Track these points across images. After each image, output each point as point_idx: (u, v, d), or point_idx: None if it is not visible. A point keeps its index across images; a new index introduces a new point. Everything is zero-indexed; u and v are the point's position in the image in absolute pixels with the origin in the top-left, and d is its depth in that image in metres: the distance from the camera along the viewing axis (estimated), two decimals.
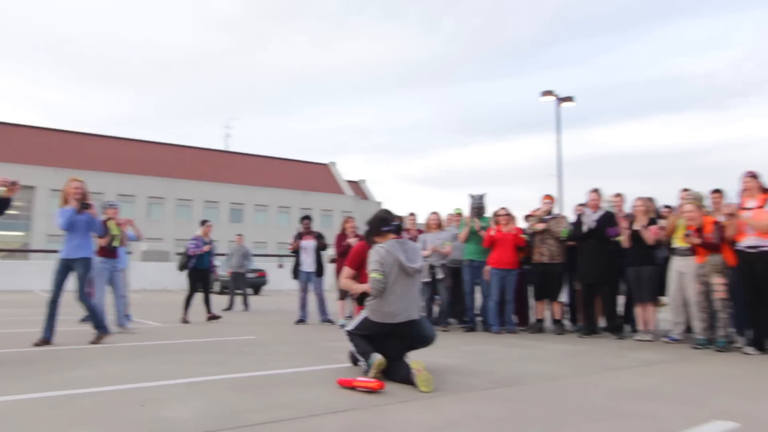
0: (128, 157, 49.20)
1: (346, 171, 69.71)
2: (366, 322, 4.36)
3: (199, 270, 10.04)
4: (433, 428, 2.87)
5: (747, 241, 5.93)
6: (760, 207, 5.86)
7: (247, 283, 14.07)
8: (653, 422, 2.94)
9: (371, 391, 3.66)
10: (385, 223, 4.46)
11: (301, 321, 9.43)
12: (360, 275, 4.82)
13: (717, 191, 7.26)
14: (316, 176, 59.93)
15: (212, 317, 9.96)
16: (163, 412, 3.16)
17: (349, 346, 4.53)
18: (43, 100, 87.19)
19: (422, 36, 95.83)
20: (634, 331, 7.67)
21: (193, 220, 48.81)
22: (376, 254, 4.27)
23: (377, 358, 3.98)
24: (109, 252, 7.58)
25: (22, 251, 39.19)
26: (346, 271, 4.90)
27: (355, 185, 62.73)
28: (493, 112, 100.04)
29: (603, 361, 5.30)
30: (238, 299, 13.42)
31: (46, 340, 6.02)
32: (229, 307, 12.88)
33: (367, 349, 4.15)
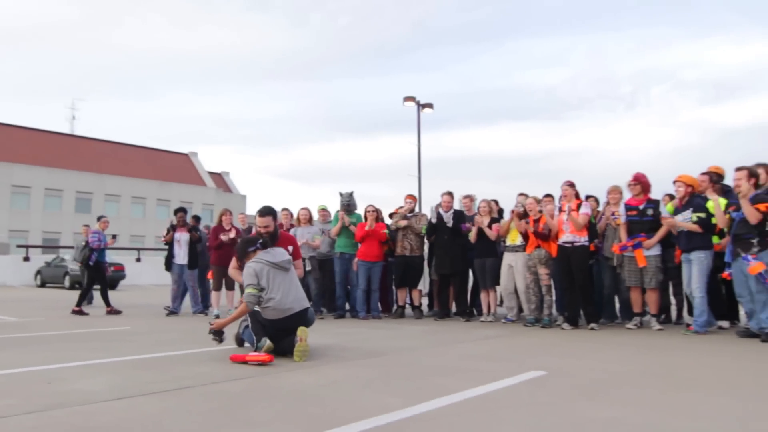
0: None
1: (209, 162, 67.23)
2: (262, 320, 4.72)
3: (99, 263, 9.98)
4: (320, 386, 3.52)
5: (565, 237, 7.29)
6: (575, 210, 7.25)
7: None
8: (487, 374, 3.85)
9: (262, 363, 4.22)
10: (251, 245, 4.92)
11: (173, 313, 9.55)
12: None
13: (548, 195, 8.67)
14: (176, 166, 57.27)
15: (112, 311, 9.78)
16: (71, 386, 3.47)
17: (234, 330, 5.02)
18: None
19: (289, 30, 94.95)
20: (480, 314, 8.89)
21: (31, 209, 44.48)
22: (249, 270, 4.74)
23: (267, 343, 4.49)
24: None
25: None
26: (233, 261, 5.36)
27: (218, 177, 60.92)
28: (357, 111, 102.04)
29: (452, 337, 6.29)
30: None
31: None
32: (88, 302, 12.38)
33: (260, 332, 4.65)
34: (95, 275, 10.10)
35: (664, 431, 2.53)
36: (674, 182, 6.99)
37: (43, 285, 22.11)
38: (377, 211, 9.01)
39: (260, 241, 4.92)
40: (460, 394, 3.20)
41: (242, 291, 5.13)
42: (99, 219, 10.57)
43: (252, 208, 61.71)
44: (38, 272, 22.59)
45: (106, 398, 3.14)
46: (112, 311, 9.82)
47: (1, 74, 77.32)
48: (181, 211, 9.96)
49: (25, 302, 13.28)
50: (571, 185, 7.49)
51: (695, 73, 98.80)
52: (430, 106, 23.30)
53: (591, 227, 7.48)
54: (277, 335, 4.55)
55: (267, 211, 5.30)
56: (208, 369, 4.07)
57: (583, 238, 7.24)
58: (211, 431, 2.55)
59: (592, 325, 7.10)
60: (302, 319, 4.74)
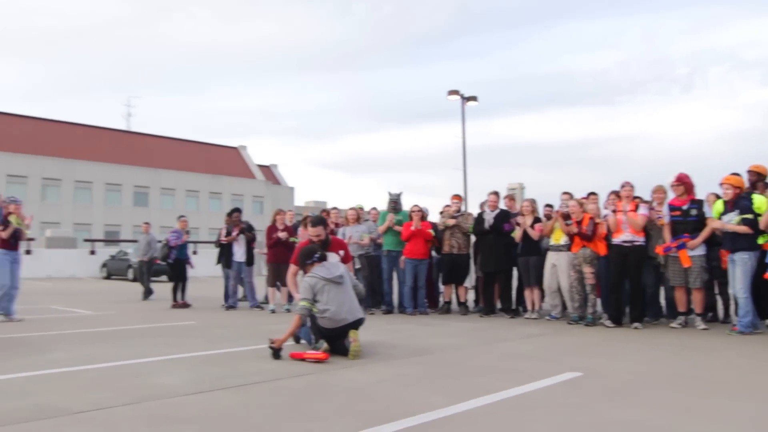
0: (20, 135, 46.02)
1: (257, 155, 68.92)
2: (318, 327, 5.13)
3: (178, 260, 10.73)
4: (371, 384, 3.92)
5: (623, 237, 7.44)
6: (633, 210, 7.39)
7: (154, 271, 14.08)
8: (525, 374, 4.15)
9: (319, 361, 4.65)
10: (308, 258, 5.32)
11: (231, 307, 10.19)
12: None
13: (593, 193, 8.79)
14: (226, 160, 58.95)
15: (180, 305, 10.53)
16: (156, 380, 3.98)
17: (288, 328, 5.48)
18: None
19: (333, 20, 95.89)
20: (525, 311, 9.12)
21: (93, 203, 46.76)
22: (305, 284, 5.14)
23: (324, 345, 4.90)
24: (11, 244, 7.93)
25: None
26: (292, 268, 5.81)
27: (267, 169, 62.37)
28: (402, 100, 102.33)
29: (496, 335, 6.59)
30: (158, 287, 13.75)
31: None
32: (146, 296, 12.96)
33: (318, 334, 5.07)
34: (173, 271, 10.86)
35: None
36: (721, 184, 7.04)
37: (108, 277, 23.47)
38: (422, 211, 9.35)
39: (317, 255, 5.31)
40: (498, 394, 3.53)
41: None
42: (179, 218, 11.39)
43: (299, 200, 62.57)
44: (104, 265, 23.97)
45: (187, 392, 3.62)
46: (178, 305, 10.53)
47: (60, 74, 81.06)
48: (236, 211, 10.54)
49: (95, 295, 14.28)
50: (630, 186, 7.64)
51: (756, 52, 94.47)
52: (474, 98, 23.39)
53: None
54: (332, 339, 4.96)
55: (317, 221, 5.71)
56: (272, 366, 4.53)
57: (641, 239, 7.39)
58: (279, 423, 2.97)
59: (636, 324, 7.26)
60: (355, 326, 5.12)
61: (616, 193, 7.88)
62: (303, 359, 4.72)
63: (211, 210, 52.26)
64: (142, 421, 2.98)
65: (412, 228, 9.09)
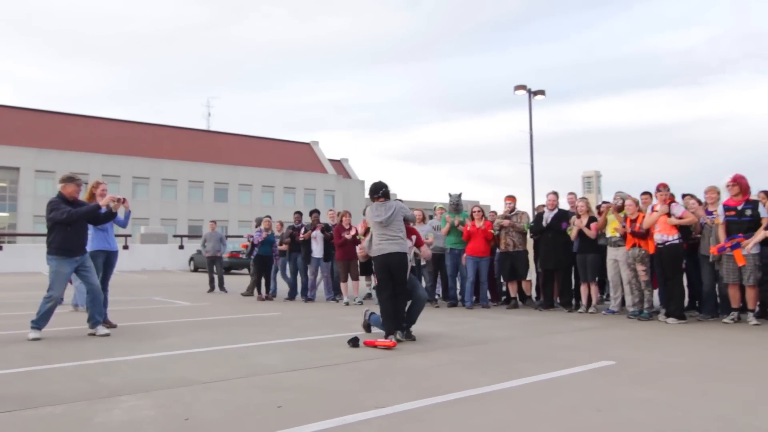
0: (112, 137, 49.94)
1: (329, 149, 71.05)
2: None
3: (261, 256, 11.96)
4: (430, 367, 4.73)
5: (656, 237, 7.88)
6: (666, 214, 7.81)
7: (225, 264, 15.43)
8: (563, 362, 4.83)
9: (388, 348, 5.51)
10: (375, 192, 6.46)
11: (310, 300, 11.28)
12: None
13: (646, 193, 9.16)
14: (299, 155, 61.22)
15: (265, 298, 11.80)
16: (258, 360, 4.97)
17: (361, 318, 6.39)
18: (10, 74, 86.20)
19: (403, 11, 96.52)
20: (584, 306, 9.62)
21: (178, 200, 50.01)
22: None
23: (393, 339, 5.80)
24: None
25: (8, 234, 40.16)
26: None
27: (338, 164, 64.22)
28: (473, 88, 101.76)
29: (549, 328, 7.23)
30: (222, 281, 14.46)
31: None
32: (211, 289, 14.03)
33: (391, 327, 5.96)
34: (256, 267, 12.12)
35: (677, 408, 3.43)
36: None
37: (195, 270, 25.46)
38: (482, 210, 10.02)
39: (383, 190, 6.53)
40: (534, 377, 4.25)
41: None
42: (264, 218, 12.59)
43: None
44: (191, 258, 26.00)
45: (285, 369, 4.57)
46: (263, 298, 11.74)
47: (144, 77, 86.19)
48: (315, 212, 11.59)
49: (188, 287, 15.82)
50: (666, 188, 8.03)
51: None
52: (542, 92, 23.54)
53: (683, 226, 7.96)
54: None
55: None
56: (350, 351, 5.43)
57: (672, 237, 7.79)
58: (356, 394, 3.83)
59: (671, 319, 7.67)
60: (390, 264, 6.22)
61: (649, 194, 8.32)
62: (375, 346, 5.60)
63: (286, 204, 54.60)
64: (257, 389, 3.94)
65: (478, 226, 9.79)
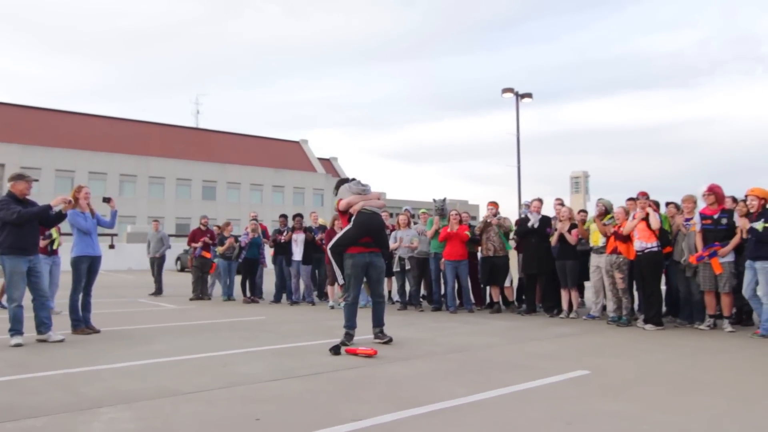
0: (99, 134, 49.51)
1: (318, 147, 70.96)
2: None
3: (247, 259, 12.08)
4: (408, 377, 4.82)
5: (635, 245, 8.03)
6: (643, 220, 7.97)
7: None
8: (539, 371, 4.94)
9: (368, 356, 5.59)
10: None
11: (296, 303, 11.35)
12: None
13: (631, 199, 9.31)
14: (288, 153, 61.09)
15: (250, 300, 11.87)
16: (240, 369, 5.03)
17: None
18: None
19: (397, 9, 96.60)
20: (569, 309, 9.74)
21: (165, 197, 49.74)
22: None
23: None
24: (50, 251, 8.99)
25: None
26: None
27: (327, 162, 64.16)
28: (465, 87, 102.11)
29: (529, 334, 7.35)
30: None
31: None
32: (156, 292, 13.64)
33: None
34: (243, 269, 12.21)
35: (644, 422, 3.55)
36: (746, 196, 7.47)
37: (182, 270, 25.38)
38: (459, 215, 10.10)
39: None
40: (510, 387, 4.36)
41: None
42: (251, 220, 12.72)
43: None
44: (177, 258, 25.91)
45: (266, 380, 4.64)
46: (248, 300, 11.79)
47: (134, 74, 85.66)
48: (298, 216, 11.65)
49: (174, 288, 15.76)
50: (646, 196, 8.18)
51: None
52: (529, 95, 23.75)
53: (662, 233, 8.12)
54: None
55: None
56: (331, 359, 5.51)
57: (651, 244, 7.94)
58: (336, 405, 3.91)
59: (648, 326, 7.83)
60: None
61: (634, 200, 8.48)
62: (356, 354, 5.68)
63: (275, 203, 54.51)
64: (236, 400, 4.00)
65: (449, 230, 9.90)
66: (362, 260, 6.36)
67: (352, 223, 6.37)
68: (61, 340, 6.50)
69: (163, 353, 5.80)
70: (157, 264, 13.93)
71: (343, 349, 5.84)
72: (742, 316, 8.39)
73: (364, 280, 6.58)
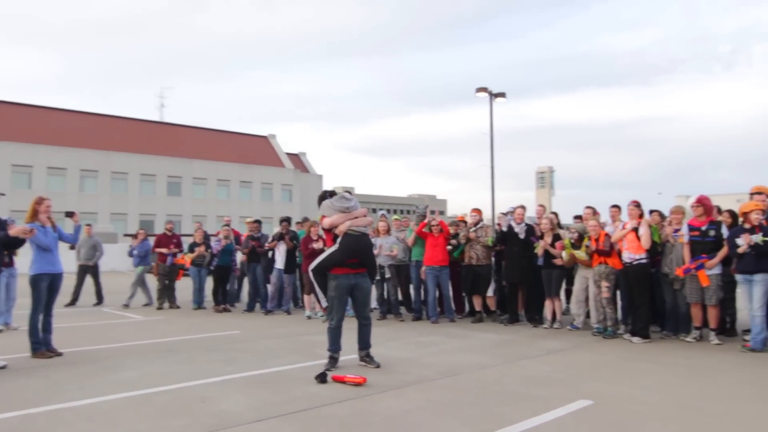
0: (58, 128, 47.65)
1: (286, 143, 70.01)
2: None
3: (220, 267, 11.57)
4: (405, 411, 4.50)
5: (623, 257, 7.88)
6: (633, 231, 7.82)
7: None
8: (541, 402, 4.69)
9: (357, 384, 5.25)
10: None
11: (270, 312, 10.91)
12: None
13: (615, 206, 9.17)
14: (256, 149, 60.01)
15: (221, 309, 11.36)
16: (220, 406, 4.63)
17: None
18: None
19: (365, 5, 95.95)
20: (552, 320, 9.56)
21: (129, 193, 48.27)
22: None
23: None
24: (8, 263, 8.46)
25: None
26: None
27: (296, 158, 63.30)
28: (434, 83, 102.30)
29: (518, 351, 7.11)
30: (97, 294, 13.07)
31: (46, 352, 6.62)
32: (72, 302, 12.40)
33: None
34: (215, 276, 11.69)
35: None
36: (747, 212, 7.30)
37: (149, 271, 24.50)
38: (439, 225, 9.81)
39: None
40: (515, 426, 4.08)
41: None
42: (223, 226, 12.29)
43: (328, 186, 63.58)
44: None
45: (250, 420, 4.26)
46: (220, 309, 11.29)
47: (97, 66, 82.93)
48: (285, 220, 11.19)
49: (139, 294, 15.03)
50: (637, 205, 8.04)
51: None
52: (502, 95, 23.60)
53: (652, 245, 7.97)
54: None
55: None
56: (316, 389, 5.15)
57: (639, 256, 7.79)
58: None
59: (636, 338, 7.69)
60: None
61: (617, 208, 8.34)
62: (344, 382, 5.32)
63: (242, 198, 53.55)
64: None
65: (425, 227, 9.64)
66: (347, 282, 6.00)
67: (338, 244, 5.98)
68: (3, 367, 5.98)
69: (133, 384, 5.34)
70: (92, 273, 12.84)
71: (329, 376, 5.49)
72: (725, 326, 8.35)
73: (349, 302, 6.21)
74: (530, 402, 4.74)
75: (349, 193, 6.27)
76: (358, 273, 6.04)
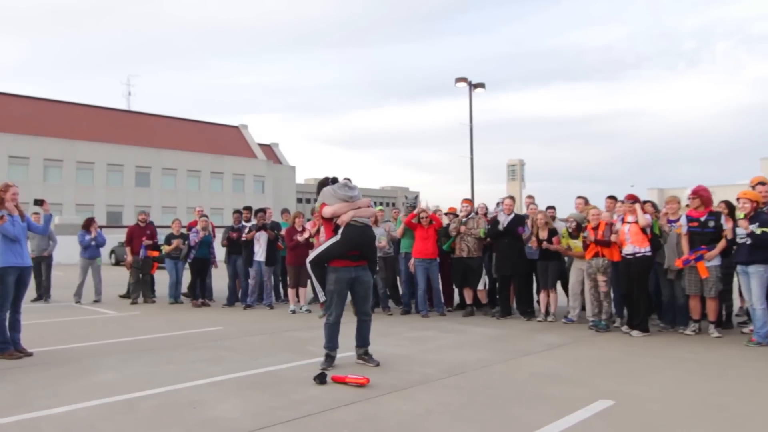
0: (20, 116, 45.78)
1: (258, 133, 68.79)
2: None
3: (198, 259, 10.98)
4: (418, 416, 4.15)
5: (626, 249, 7.67)
6: (636, 223, 7.60)
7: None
8: (558, 403, 4.40)
9: (360, 385, 4.88)
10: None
11: (249, 306, 10.45)
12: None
13: (611, 197, 8.97)
14: (227, 139, 58.79)
15: (200, 304, 10.80)
16: (214, 412, 4.21)
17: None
18: None
19: None
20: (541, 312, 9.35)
21: (95, 184, 46.75)
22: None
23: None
24: None
25: None
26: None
27: (268, 149, 62.25)
28: (407, 75, 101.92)
29: (518, 346, 6.83)
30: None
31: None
32: (38, 297, 12.03)
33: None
34: (193, 270, 11.14)
35: None
36: (738, 199, 7.20)
37: (117, 263, 23.70)
38: (428, 217, 9.48)
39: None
40: (542, 430, 3.77)
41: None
42: (200, 218, 11.49)
43: (300, 178, 62.33)
44: (112, 251, 24.17)
45: (252, 427, 3.85)
46: (198, 304, 10.77)
47: (60, 52, 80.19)
48: (261, 211, 10.71)
49: (110, 287, 14.31)
50: (634, 200, 7.82)
51: (764, 26, 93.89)
52: (482, 86, 23.42)
53: (653, 237, 7.77)
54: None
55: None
56: (317, 391, 4.76)
57: (643, 249, 7.59)
58: None
59: (635, 332, 7.51)
60: None
61: (613, 198, 8.12)
62: (345, 383, 4.95)
63: (213, 190, 52.44)
64: None
65: (413, 221, 9.33)
66: (347, 275, 5.60)
67: (339, 235, 5.57)
68: None
69: (113, 387, 4.88)
70: (45, 264, 12.03)
71: (328, 376, 5.11)
72: (722, 319, 8.24)
73: (349, 297, 5.81)
74: (547, 402, 4.45)
75: (350, 181, 5.87)
76: (359, 266, 5.65)
